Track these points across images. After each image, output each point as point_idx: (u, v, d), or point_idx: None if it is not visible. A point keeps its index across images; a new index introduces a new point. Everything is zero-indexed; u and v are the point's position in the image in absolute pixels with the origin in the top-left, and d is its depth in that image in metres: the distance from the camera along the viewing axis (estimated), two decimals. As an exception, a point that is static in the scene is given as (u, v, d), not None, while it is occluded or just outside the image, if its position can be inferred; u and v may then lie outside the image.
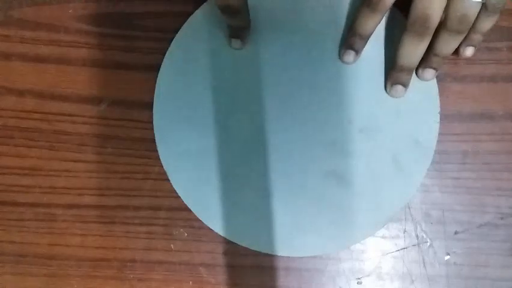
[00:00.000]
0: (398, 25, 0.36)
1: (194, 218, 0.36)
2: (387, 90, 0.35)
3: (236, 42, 0.36)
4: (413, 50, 0.33)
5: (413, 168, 0.36)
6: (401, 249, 0.36)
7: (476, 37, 0.34)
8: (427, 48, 0.33)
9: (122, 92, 0.38)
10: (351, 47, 0.35)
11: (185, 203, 0.36)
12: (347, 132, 0.36)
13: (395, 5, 0.33)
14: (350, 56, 0.35)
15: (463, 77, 0.37)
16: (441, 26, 0.32)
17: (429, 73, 0.35)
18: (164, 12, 0.38)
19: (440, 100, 0.36)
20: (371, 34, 0.35)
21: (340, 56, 0.36)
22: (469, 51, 0.35)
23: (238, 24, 0.35)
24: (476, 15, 0.30)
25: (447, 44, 0.32)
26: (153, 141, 0.37)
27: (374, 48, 0.36)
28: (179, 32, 0.37)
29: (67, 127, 0.38)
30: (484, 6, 0.30)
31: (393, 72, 0.35)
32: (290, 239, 0.36)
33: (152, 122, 0.37)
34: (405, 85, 0.35)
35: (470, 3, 0.29)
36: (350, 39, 0.35)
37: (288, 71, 0.36)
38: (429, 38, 0.32)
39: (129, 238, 0.37)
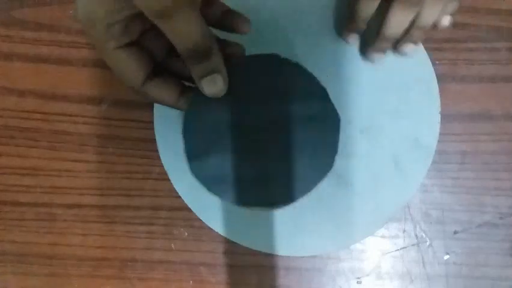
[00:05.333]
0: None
1: (194, 217, 0.36)
2: (367, 56, 0.36)
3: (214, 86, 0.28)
4: (402, 20, 0.32)
5: (413, 168, 0.36)
6: (401, 248, 0.36)
7: (452, 5, 0.33)
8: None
9: (123, 92, 0.38)
10: (354, 31, 0.35)
11: (186, 202, 0.36)
12: (347, 133, 0.36)
13: None
14: (354, 38, 0.36)
15: (462, 78, 0.37)
16: None
17: (410, 47, 0.35)
18: (164, 13, 0.38)
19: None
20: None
21: (344, 38, 0.36)
22: (447, 21, 0.34)
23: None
24: None
25: (431, 12, 0.32)
26: (154, 141, 0.37)
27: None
28: (179, 33, 0.38)
29: (67, 127, 0.38)
30: None
31: (377, 41, 0.34)
32: (290, 239, 0.36)
33: (152, 122, 0.37)
34: (385, 52, 0.35)
35: None
36: (352, 25, 0.35)
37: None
38: (420, 6, 0.31)
39: (130, 238, 0.37)
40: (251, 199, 0.29)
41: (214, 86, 0.26)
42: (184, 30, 0.24)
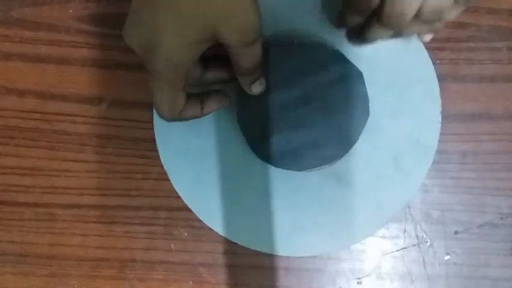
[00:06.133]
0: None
1: (194, 218, 0.36)
2: (350, 43, 0.36)
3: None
4: (381, 35, 0.31)
5: (413, 168, 0.36)
6: (401, 249, 0.36)
7: (439, 25, 0.32)
8: None
9: (123, 92, 0.38)
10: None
11: (186, 203, 0.36)
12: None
13: None
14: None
15: (463, 77, 0.37)
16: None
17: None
18: (164, 13, 0.38)
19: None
20: None
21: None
22: (428, 38, 0.34)
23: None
24: (449, 7, 0.29)
25: (413, 31, 0.31)
26: (153, 141, 0.37)
27: (374, 47, 0.36)
28: (179, 32, 0.38)
29: (67, 127, 0.38)
30: None
31: (359, 40, 0.34)
32: (290, 239, 0.36)
33: (152, 122, 0.37)
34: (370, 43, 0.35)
35: None
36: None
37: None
38: (401, 28, 0.30)
39: (129, 238, 0.37)
40: (312, 163, 0.34)
41: (260, 86, 0.32)
42: (257, 53, 0.29)
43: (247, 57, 0.29)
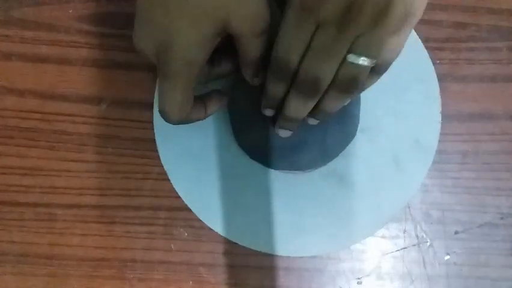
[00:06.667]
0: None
1: (194, 218, 0.36)
2: (275, 128, 0.33)
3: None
4: (300, 106, 0.29)
5: (413, 168, 0.36)
6: (401, 249, 0.36)
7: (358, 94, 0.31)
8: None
9: (123, 92, 0.38)
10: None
11: (186, 203, 0.36)
12: (347, 132, 0.36)
13: None
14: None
15: (463, 77, 0.37)
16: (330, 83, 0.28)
17: (313, 121, 0.32)
18: (164, 12, 0.38)
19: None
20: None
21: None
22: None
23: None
24: (365, 77, 0.27)
25: (332, 102, 0.29)
26: (153, 141, 0.37)
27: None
28: (179, 32, 0.38)
29: (67, 127, 0.38)
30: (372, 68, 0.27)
31: (280, 119, 0.31)
32: (290, 239, 0.36)
33: (152, 122, 0.37)
34: (293, 130, 0.33)
35: (361, 67, 0.26)
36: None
37: None
38: (319, 96, 0.28)
39: (129, 238, 0.37)
40: (287, 164, 0.35)
41: (260, 78, 0.31)
42: (263, 44, 0.28)
43: (256, 47, 0.28)
